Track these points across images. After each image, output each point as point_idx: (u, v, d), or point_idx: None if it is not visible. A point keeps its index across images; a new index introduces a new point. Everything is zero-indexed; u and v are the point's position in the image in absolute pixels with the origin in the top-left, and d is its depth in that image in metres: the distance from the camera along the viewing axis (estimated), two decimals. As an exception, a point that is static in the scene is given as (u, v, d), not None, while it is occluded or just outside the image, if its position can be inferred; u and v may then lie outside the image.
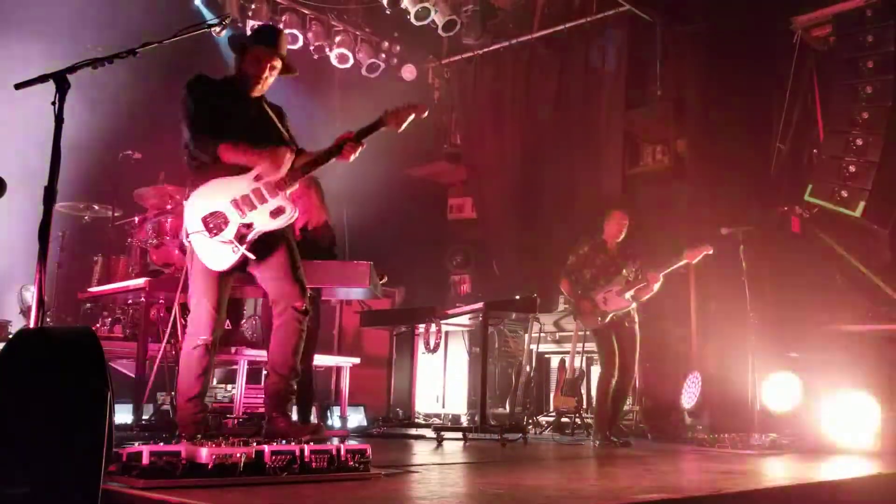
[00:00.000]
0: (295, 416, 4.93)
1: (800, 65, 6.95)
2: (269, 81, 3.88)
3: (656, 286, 5.69)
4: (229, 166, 3.66)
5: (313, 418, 5.29)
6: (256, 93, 3.87)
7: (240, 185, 3.66)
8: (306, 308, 3.74)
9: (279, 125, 3.93)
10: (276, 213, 3.67)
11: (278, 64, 3.86)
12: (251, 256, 3.63)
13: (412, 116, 3.79)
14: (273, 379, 3.70)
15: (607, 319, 5.69)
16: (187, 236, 3.70)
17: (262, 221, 3.66)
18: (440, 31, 8.36)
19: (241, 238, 3.61)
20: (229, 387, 6.43)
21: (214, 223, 3.62)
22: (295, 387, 3.75)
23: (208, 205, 3.64)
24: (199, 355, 3.64)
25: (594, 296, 5.72)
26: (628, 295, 5.68)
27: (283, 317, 3.71)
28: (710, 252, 5.73)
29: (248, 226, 3.63)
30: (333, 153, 3.74)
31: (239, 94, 3.84)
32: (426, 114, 3.83)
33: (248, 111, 3.85)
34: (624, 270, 5.79)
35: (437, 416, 7.48)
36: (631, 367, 5.71)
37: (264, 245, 3.71)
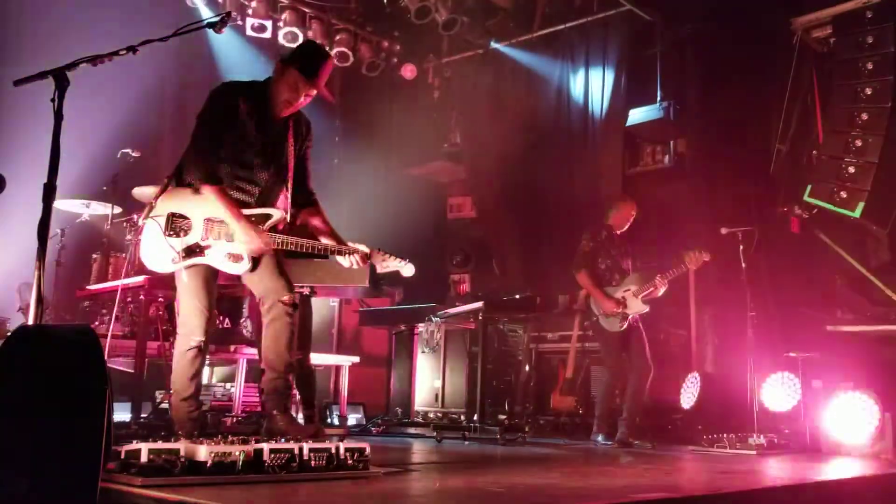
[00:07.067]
0: (300, 414, 4.94)
1: (799, 65, 6.95)
2: (302, 104, 3.71)
3: (661, 290, 5.70)
4: (228, 185, 3.57)
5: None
6: (285, 113, 3.70)
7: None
8: (294, 302, 3.70)
9: (292, 151, 3.73)
10: (234, 258, 3.55)
11: (314, 93, 3.68)
12: (183, 279, 3.53)
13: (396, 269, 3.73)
14: (270, 376, 3.66)
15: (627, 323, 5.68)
16: (144, 217, 3.57)
17: (216, 255, 3.55)
18: (440, 30, 8.35)
19: (188, 252, 3.51)
20: (228, 385, 6.43)
21: (177, 225, 3.53)
22: (292, 382, 3.73)
23: (184, 206, 3.55)
24: (192, 357, 3.59)
25: (615, 294, 5.70)
26: (641, 296, 5.68)
27: (272, 312, 3.65)
28: (708, 259, 5.74)
29: (202, 249, 3.53)
30: (334, 252, 3.65)
31: (263, 110, 3.65)
32: (412, 273, 3.73)
33: (266, 131, 3.67)
34: (630, 271, 5.80)
35: (437, 415, 7.47)
36: (646, 363, 5.68)
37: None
